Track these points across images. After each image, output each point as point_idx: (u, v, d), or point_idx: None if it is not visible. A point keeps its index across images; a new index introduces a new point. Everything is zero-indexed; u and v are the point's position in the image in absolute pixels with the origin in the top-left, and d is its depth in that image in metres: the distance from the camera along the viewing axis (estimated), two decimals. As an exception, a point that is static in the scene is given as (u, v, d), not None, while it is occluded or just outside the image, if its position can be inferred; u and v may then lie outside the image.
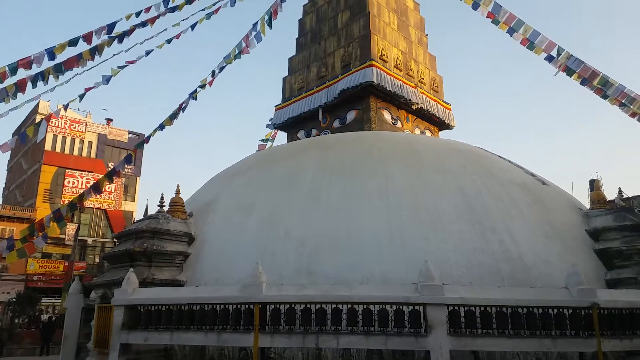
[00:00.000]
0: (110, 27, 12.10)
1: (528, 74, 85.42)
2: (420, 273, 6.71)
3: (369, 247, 8.51)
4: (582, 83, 15.17)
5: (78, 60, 11.60)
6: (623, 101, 14.62)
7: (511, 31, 15.04)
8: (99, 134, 38.77)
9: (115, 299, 7.70)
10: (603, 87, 14.63)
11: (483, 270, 8.02)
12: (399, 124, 15.44)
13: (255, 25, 15.88)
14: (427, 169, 10.44)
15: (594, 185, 9.94)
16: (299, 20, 18.61)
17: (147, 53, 13.74)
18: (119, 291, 7.75)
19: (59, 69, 11.44)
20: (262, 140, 21.03)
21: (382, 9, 16.29)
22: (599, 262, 8.67)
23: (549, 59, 15.36)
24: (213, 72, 15.28)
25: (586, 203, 11.26)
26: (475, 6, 14.88)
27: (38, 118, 32.91)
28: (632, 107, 14.51)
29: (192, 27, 14.60)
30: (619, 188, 9.34)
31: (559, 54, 14.99)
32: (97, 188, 12.81)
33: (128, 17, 12.60)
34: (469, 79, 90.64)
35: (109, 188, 34.69)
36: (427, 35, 17.84)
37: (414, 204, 9.31)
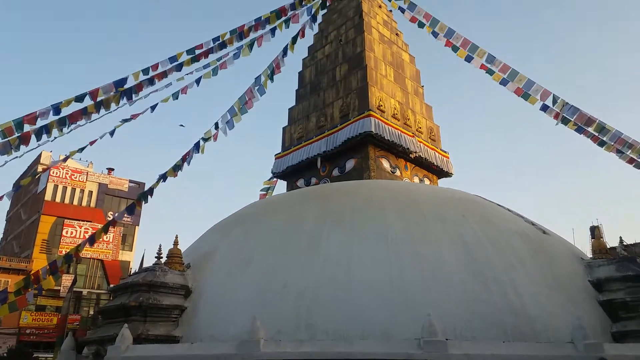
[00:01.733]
0: (117, 83, 12.41)
1: (525, 122, 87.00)
2: (423, 328, 6.54)
3: (369, 299, 8.32)
4: (579, 131, 15.38)
5: (83, 114, 11.84)
6: (619, 148, 14.75)
7: (505, 81, 15.43)
8: (99, 183, 39.00)
9: (109, 357, 7.46)
10: (600, 134, 14.81)
11: (486, 323, 7.80)
12: (397, 172, 15.53)
13: (258, 79, 16.32)
14: (426, 218, 10.38)
15: (595, 233, 9.87)
16: (299, 72, 19.16)
17: (153, 108, 14.02)
18: (112, 348, 7.52)
19: (63, 123, 11.65)
20: (262, 190, 21.12)
21: (379, 62, 16.80)
22: (603, 314, 8.44)
23: (544, 108, 15.66)
24: (216, 125, 15.54)
25: (588, 250, 11.13)
26: (469, 58, 15.36)
27: (40, 168, 33.22)
28: (629, 153, 14.64)
29: (197, 81, 15.00)
30: (620, 237, 9.25)
31: (554, 102, 15.27)
32: (93, 240, 12.73)
33: (136, 77, 12.94)
34: (466, 128, 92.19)
35: (106, 238, 34.44)
36: (423, 86, 18.30)
37: (415, 254, 9.19)
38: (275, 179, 20.00)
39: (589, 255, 9.96)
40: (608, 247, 9.75)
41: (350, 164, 15.33)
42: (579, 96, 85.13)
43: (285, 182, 17.82)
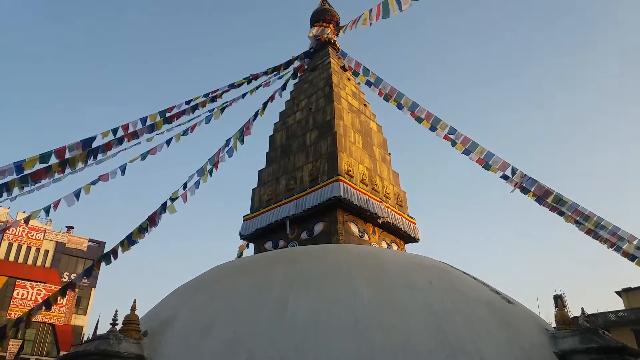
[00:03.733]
0: (85, 142, 12.24)
1: (487, 189, 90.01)
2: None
3: (336, 370, 8.01)
4: (538, 201, 16.02)
5: (47, 172, 11.52)
6: (577, 219, 15.36)
7: (467, 152, 16.14)
8: (57, 242, 37.27)
9: None
10: (558, 205, 15.44)
11: (455, 398, 7.59)
12: (365, 237, 15.59)
13: (228, 141, 16.53)
14: (394, 285, 10.32)
15: (558, 303, 10.00)
16: (270, 136, 19.52)
17: (122, 171, 13.81)
18: None
19: (25, 181, 11.27)
20: (238, 255, 20.86)
21: (348, 129, 17.36)
22: (571, 387, 8.38)
23: (505, 177, 16.34)
24: (185, 185, 15.44)
25: (552, 320, 11.22)
26: (433, 129, 16.09)
27: (-5, 225, 31.65)
28: (586, 224, 15.24)
29: (168, 142, 15.02)
30: (582, 308, 9.40)
31: (513, 173, 15.98)
32: (48, 304, 11.98)
33: (105, 135, 12.85)
34: (432, 194, 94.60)
35: (60, 301, 32.49)
36: (390, 153, 18.90)
37: (383, 323, 9.02)
38: (244, 242, 19.74)
39: (553, 324, 10.02)
40: (571, 316, 9.86)
41: (318, 228, 15.31)
42: (540, 168, 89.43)
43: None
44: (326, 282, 10.33)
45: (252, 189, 18.06)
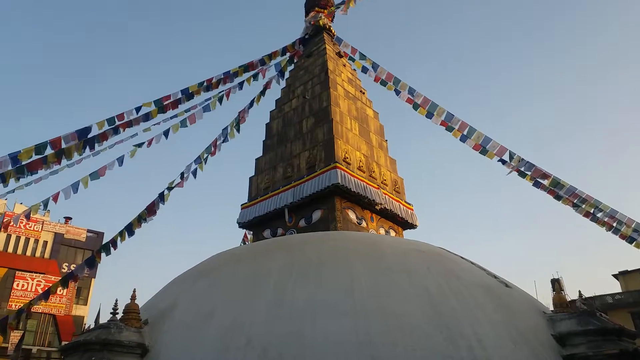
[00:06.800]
0: (80, 133, 12.17)
1: (484, 174, 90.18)
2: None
3: (335, 354, 8.09)
4: (535, 185, 16.02)
5: (43, 163, 11.46)
6: (575, 201, 15.38)
7: (464, 138, 16.06)
8: (55, 233, 37.27)
9: None
10: (556, 188, 15.45)
11: (453, 380, 7.67)
12: (363, 224, 15.62)
13: (225, 130, 16.45)
14: (392, 270, 10.37)
15: (555, 286, 10.08)
16: (266, 124, 19.45)
17: (120, 162, 13.74)
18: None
19: (21, 171, 11.23)
20: (242, 243, 20.97)
21: (344, 116, 17.28)
22: (568, 368, 8.47)
23: (502, 161, 16.30)
24: (182, 175, 15.38)
25: (550, 303, 11.30)
26: (430, 116, 16.01)
27: (-8, 217, 31.56)
28: (584, 206, 15.27)
29: (166, 134, 14.90)
30: (579, 291, 9.46)
31: (511, 158, 15.94)
32: (47, 295, 12.02)
33: (100, 126, 12.74)
34: (429, 180, 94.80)
35: (60, 291, 32.62)
36: (386, 140, 18.85)
37: (381, 308, 9.09)
38: (245, 232, 19.81)
39: (551, 307, 10.10)
40: (569, 300, 9.93)
41: (316, 215, 15.34)
42: (538, 151, 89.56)
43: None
44: (324, 268, 10.38)
45: (250, 177, 18.05)
